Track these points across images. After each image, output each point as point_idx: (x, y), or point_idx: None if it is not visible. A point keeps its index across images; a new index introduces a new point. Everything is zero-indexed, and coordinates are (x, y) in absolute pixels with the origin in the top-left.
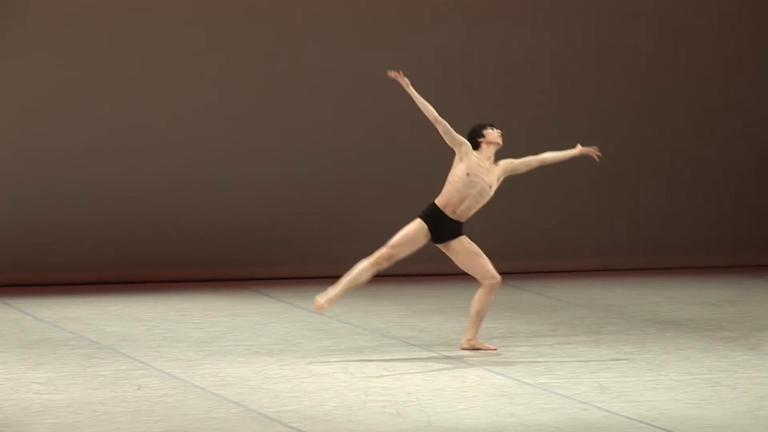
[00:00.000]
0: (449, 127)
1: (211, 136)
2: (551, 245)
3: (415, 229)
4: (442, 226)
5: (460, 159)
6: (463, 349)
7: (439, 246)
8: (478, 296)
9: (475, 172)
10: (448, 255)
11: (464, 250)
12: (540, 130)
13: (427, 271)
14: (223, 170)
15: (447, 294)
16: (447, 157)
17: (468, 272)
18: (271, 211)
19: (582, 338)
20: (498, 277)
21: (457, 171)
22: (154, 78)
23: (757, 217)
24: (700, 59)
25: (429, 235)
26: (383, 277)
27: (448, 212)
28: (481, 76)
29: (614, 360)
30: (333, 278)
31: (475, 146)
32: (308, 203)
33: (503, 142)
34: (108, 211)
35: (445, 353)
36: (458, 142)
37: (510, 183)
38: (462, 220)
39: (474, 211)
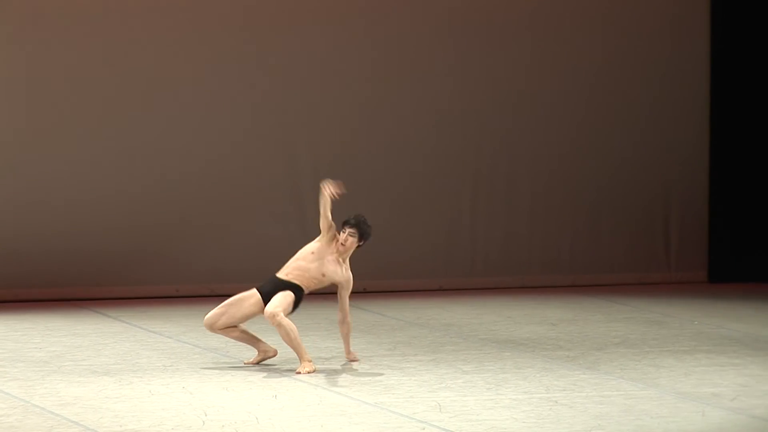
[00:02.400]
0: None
1: (44, 154)
2: (389, 265)
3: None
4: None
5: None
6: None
7: None
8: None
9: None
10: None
11: None
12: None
13: None
14: (60, 190)
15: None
16: (285, 178)
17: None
18: (109, 231)
19: (420, 357)
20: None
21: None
22: None
23: (596, 236)
24: (548, 90)
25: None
26: (221, 296)
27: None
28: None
29: (453, 379)
30: (170, 298)
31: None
32: (145, 223)
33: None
34: None
35: (285, 373)
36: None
37: (353, 205)
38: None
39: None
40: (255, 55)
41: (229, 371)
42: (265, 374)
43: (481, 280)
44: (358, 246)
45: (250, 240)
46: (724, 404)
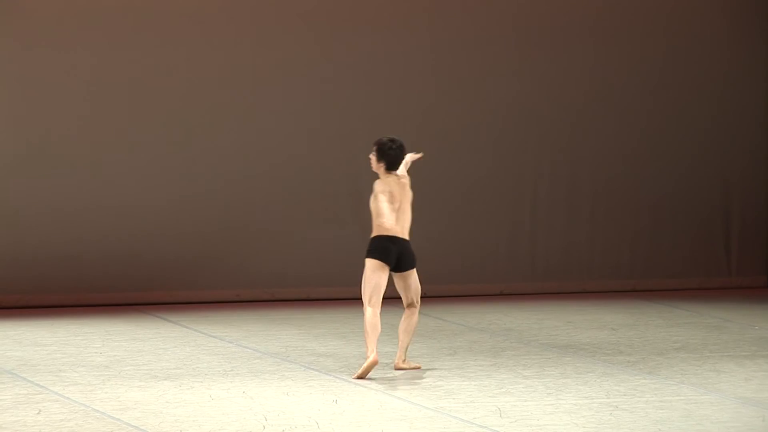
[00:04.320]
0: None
1: (108, 159)
2: (450, 270)
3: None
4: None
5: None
6: (396, 368)
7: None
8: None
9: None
10: (401, 277)
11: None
12: (446, 148)
13: (327, 295)
14: (121, 195)
15: (346, 318)
16: (346, 182)
17: (404, 293)
18: (170, 236)
19: (481, 362)
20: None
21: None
22: (41, 101)
23: (656, 241)
24: (608, 96)
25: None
26: (282, 301)
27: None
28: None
29: (513, 384)
30: (230, 303)
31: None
32: (204, 229)
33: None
34: (7, 235)
35: (345, 378)
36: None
37: (412, 210)
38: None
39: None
40: (315, 60)
41: (290, 376)
42: (325, 379)
43: (541, 285)
44: (381, 162)
45: (311, 244)
46: None
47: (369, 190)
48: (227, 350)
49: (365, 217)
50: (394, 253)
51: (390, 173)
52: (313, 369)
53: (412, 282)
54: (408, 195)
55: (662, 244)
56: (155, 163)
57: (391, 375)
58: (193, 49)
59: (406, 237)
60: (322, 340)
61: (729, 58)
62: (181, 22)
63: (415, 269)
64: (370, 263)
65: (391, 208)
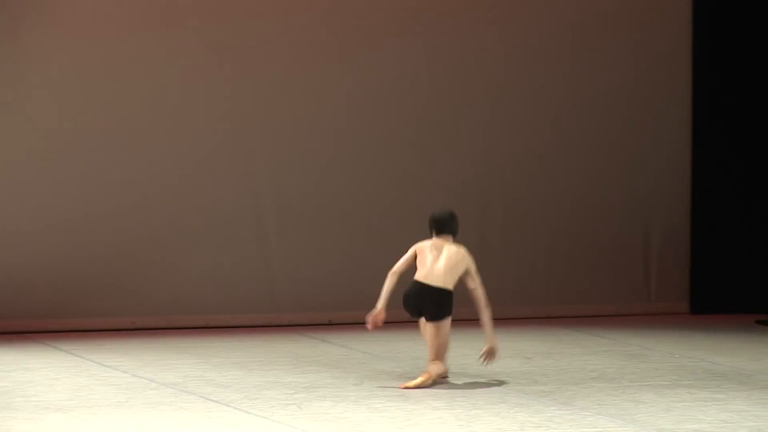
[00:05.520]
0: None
1: None
2: (356, 296)
3: None
4: None
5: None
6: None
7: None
8: None
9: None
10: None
11: None
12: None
13: (226, 323)
14: (8, 217)
15: (246, 347)
16: (247, 207)
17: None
18: (62, 260)
19: (389, 393)
20: None
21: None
22: None
23: (572, 265)
24: (521, 118)
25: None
26: (180, 329)
27: None
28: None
29: (422, 415)
30: (125, 330)
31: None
32: (98, 254)
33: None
34: None
35: (246, 409)
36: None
37: (318, 233)
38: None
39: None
40: (219, 78)
41: (188, 407)
42: (225, 411)
43: None
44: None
45: (209, 270)
46: None
47: (271, 212)
48: (122, 380)
49: (266, 242)
50: (410, 300)
51: (439, 238)
52: (212, 400)
53: (434, 335)
54: (447, 254)
55: (578, 268)
56: (44, 185)
57: (294, 406)
58: (81, 71)
59: (432, 283)
60: (221, 369)
61: (647, 75)
62: (74, 43)
63: (441, 322)
64: None
65: (405, 259)
